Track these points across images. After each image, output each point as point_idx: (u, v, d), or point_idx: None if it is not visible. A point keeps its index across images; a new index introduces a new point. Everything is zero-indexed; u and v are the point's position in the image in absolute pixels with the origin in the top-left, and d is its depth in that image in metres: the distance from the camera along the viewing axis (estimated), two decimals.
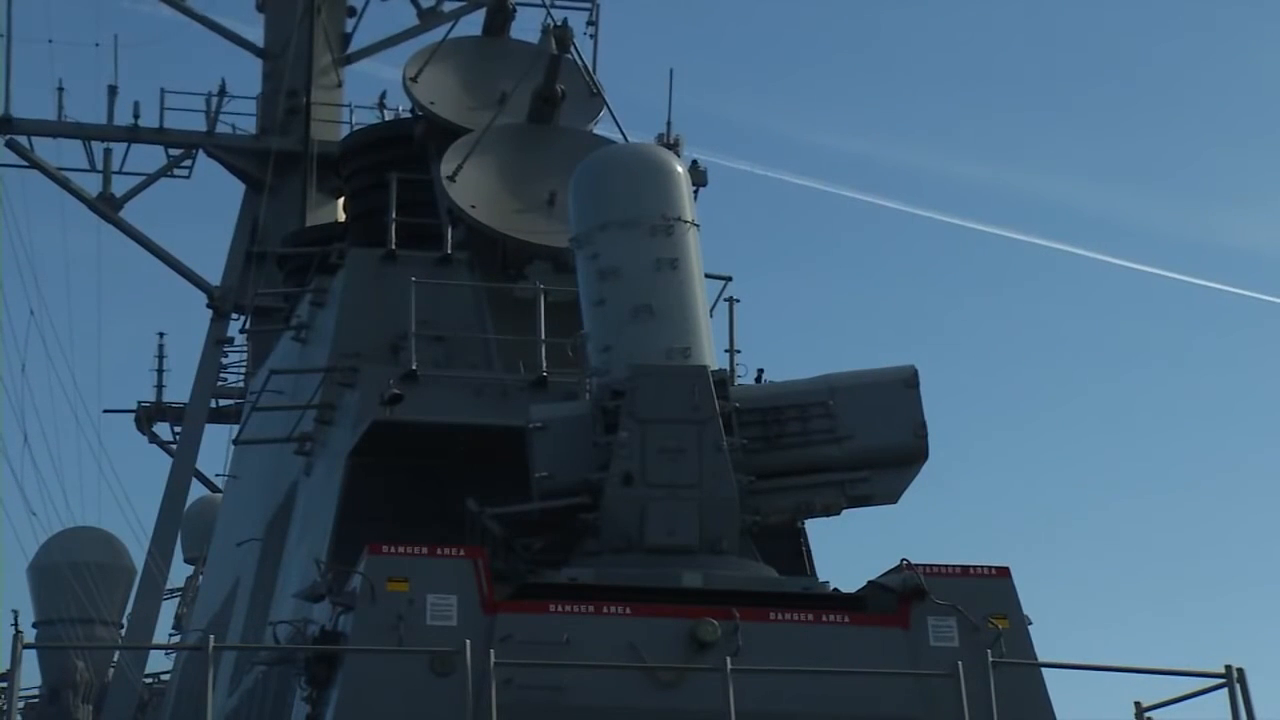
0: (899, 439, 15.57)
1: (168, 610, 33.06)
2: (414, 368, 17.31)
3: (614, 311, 15.86)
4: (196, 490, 32.82)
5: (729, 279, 19.05)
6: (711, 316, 18.78)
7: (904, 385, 15.66)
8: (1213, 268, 65.92)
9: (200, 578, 30.28)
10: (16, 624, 24.37)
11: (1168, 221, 63.61)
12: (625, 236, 16.04)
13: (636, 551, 14.96)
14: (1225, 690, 14.43)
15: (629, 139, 20.33)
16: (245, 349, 30.72)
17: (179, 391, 35.93)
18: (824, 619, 14.59)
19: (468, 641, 13.61)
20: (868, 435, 15.54)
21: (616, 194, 16.29)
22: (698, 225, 16.37)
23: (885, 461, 15.59)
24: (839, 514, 15.86)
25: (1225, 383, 63.54)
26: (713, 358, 15.91)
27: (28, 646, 15.51)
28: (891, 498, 15.81)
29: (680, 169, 16.73)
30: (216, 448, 33.65)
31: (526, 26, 21.33)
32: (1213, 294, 58.62)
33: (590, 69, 21.15)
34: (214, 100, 31.76)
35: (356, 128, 28.99)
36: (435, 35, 25.12)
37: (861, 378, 15.81)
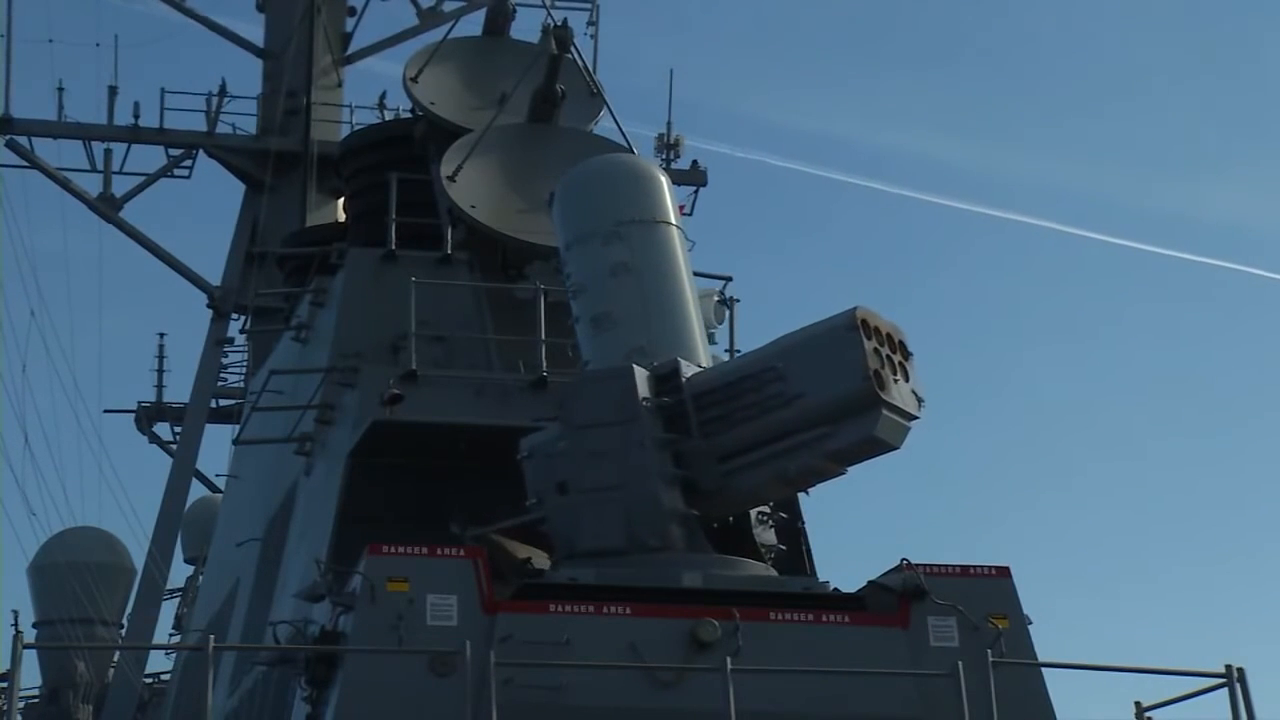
0: (847, 386, 14.64)
1: (168, 610, 33.09)
2: (414, 368, 17.31)
3: (584, 326, 16.00)
4: (196, 490, 32.85)
5: (729, 279, 19.10)
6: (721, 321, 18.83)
7: (846, 330, 14.74)
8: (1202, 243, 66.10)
9: (200, 578, 30.27)
10: (16, 624, 24.37)
11: (1145, 195, 63.80)
12: (582, 251, 16.14)
13: (580, 557, 14.93)
14: (1225, 690, 14.42)
15: (629, 138, 20.40)
16: (245, 349, 30.72)
17: (179, 391, 36.00)
18: (824, 619, 14.57)
19: (468, 641, 13.60)
20: (817, 390, 14.79)
21: (572, 213, 16.42)
22: (668, 222, 16.26)
23: (842, 413, 14.73)
24: (842, 473, 15.33)
25: (1222, 370, 63.62)
26: (695, 350, 15.78)
27: (28, 646, 15.50)
28: (872, 444, 14.80)
29: (641, 170, 16.64)
30: (216, 448, 33.72)
31: (526, 26, 21.39)
32: (1207, 269, 58.79)
33: (590, 69, 21.16)
34: (214, 100, 31.75)
35: (356, 128, 29.01)
36: (435, 35, 25.12)
37: (806, 332, 15.14)
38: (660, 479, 14.94)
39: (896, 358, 14.80)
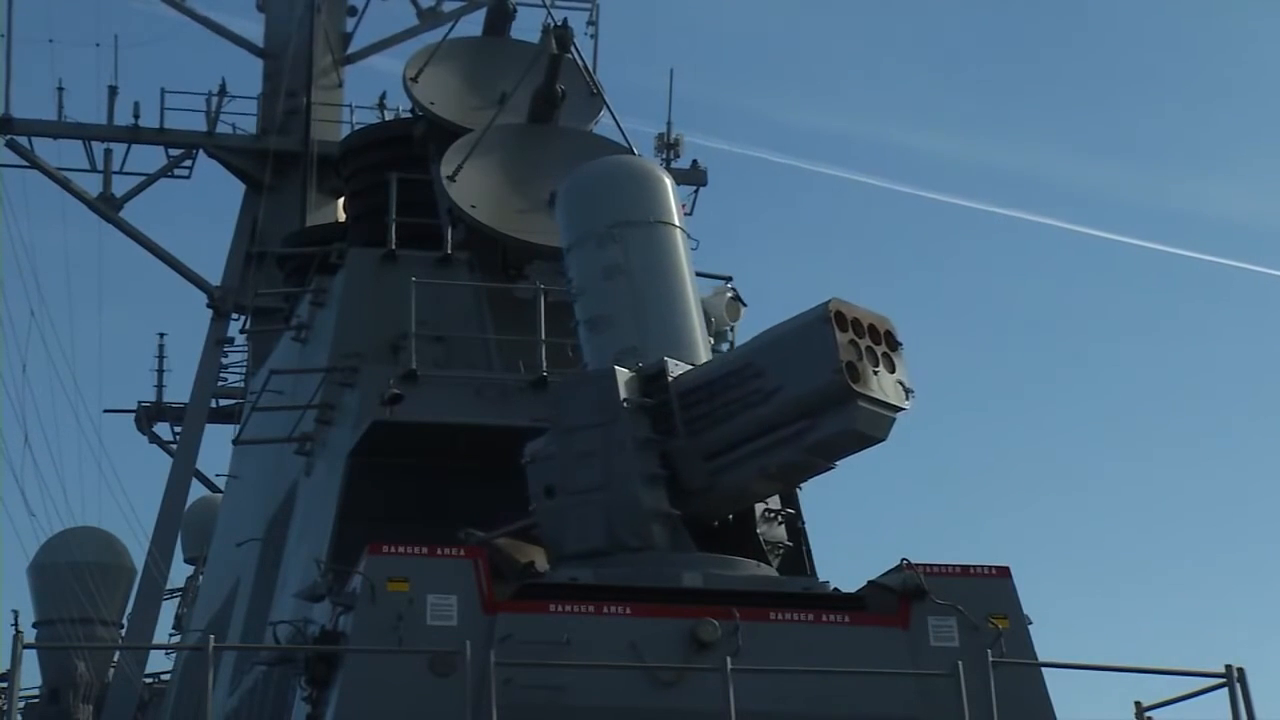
0: (819, 380, 14.48)
1: (168, 610, 33.09)
2: (414, 368, 17.31)
3: (583, 329, 16.07)
4: (196, 490, 32.85)
5: (729, 279, 19.08)
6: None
7: (820, 323, 14.56)
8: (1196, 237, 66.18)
9: (200, 578, 30.27)
10: (17, 624, 24.38)
11: (1144, 192, 63.81)
12: (580, 254, 16.18)
13: (566, 559, 14.94)
14: (1225, 690, 14.42)
15: (629, 138, 20.39)
16: (245, 349, 30.73)
17: (179, 391, 36.01)
18: (824, 619, 14.56)
19: (468, 641, 13.60)
20: (794, 384, 14.64)
21: (571, 217, 16.46)
22: (666, 222, 16.23)
23: (818, 406, 14.57)
24: (829, 468, 15.25)
25: (1225, 369, 63.61)
26: (694, 349, 15.73)
27: (28, 646, 15.50)
28: (852, 437, 14.67)
29: (638, 171, 16.62)
30: (216, 448, 33.78)
31: (526, 26, 21.40)
32: (1210, 267, 58.83)
33: (590, 69, 21.16)
34: (214, 100, 31.77)
35: (356, 128, 29.01)
36: (435, 35, 25.14)
37: (784, 326, 15.03)
38: (640, 479, 14.92)
39: (880, 348, 14.63)
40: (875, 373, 14.54)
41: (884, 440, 14.75)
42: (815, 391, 14.55)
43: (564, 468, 15.12)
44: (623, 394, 15.09)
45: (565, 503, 15.05)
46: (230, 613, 20.68)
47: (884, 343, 14.70)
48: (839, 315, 14.52)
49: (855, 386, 14.37)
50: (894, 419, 14.69)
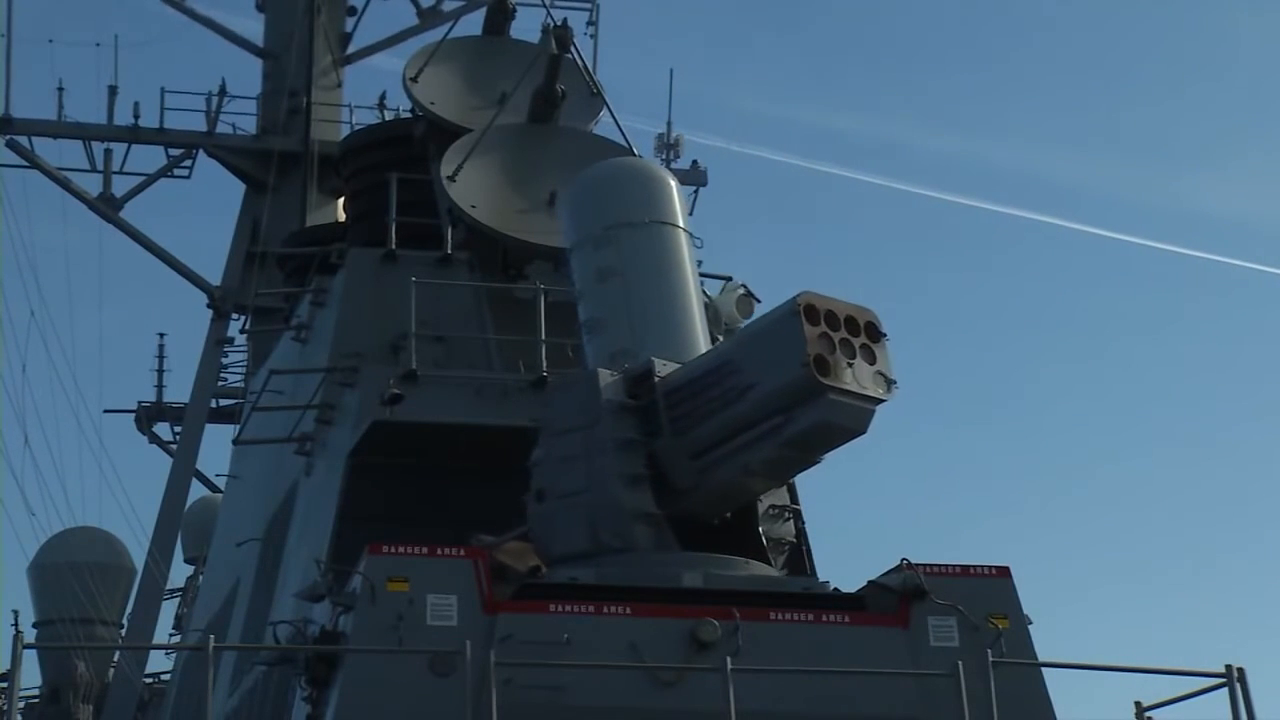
0: (790, 374, 14.36)
1: (168, 610, 33.09)
2: (414, 368, 17.32)
3: (583, 331, 16.08)
4: (196, 490, 32.85)
5: (729, 279, 19.08)
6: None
7: (789, 317, 14.44)
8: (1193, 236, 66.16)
9: (200, 578, 30.27)
10: (17, 624, 24.43)
11: (1140, 189, 63.82)
12: (578, 257, 16.20)
13: (556, 562, 14.93)
14: (1225, 690, 14.42)
15: (629, 138, 20.40)
16: (245, 349, 30.74)
17: (179, 391, 36.03)
18: (824, 619, 14.55)
19: (468, 641, 13.59)
20: (767, 380, 14.56)
21: (571, 220, 16.47)
22: (664, 222, 16.21)
23: (791, 401, 14.46)
24: (814, 462, 15.13)
25: (1224, 369, 63.62)
26: (694, 349, 15.65)
27: (28, 646, 15.51)
28: (827, 430, 14.53)
29: (636, 172, 16.60)
30: (216, 448, 33.78)
31: (526, 26, 21.40)
32: (1210, 265, 58.83)
33: (590, 69, 21.17)
34: (214, 100, 31.79)
35: (357, 128, 29.02)
36: (435, 35, 25.14)
37: (759, 321, 14.99)
38: (620, 480, 14.88)
39: (859, 340, 14.47)
40: (850, 365, 14.38)
41: (863, 433, 14.63)
42: (787, 385, 14.45)
43: (552, 471, 15.14)
44: (604, 396, 15.08)
45: (552, 506, 15.07)
46: (230, 613, 20.69)
47: (863, 334, 14.54)
48: (809, 308, 14.41)
49: (824, 379, 14.24)
50: (873, 411, 14.55)
